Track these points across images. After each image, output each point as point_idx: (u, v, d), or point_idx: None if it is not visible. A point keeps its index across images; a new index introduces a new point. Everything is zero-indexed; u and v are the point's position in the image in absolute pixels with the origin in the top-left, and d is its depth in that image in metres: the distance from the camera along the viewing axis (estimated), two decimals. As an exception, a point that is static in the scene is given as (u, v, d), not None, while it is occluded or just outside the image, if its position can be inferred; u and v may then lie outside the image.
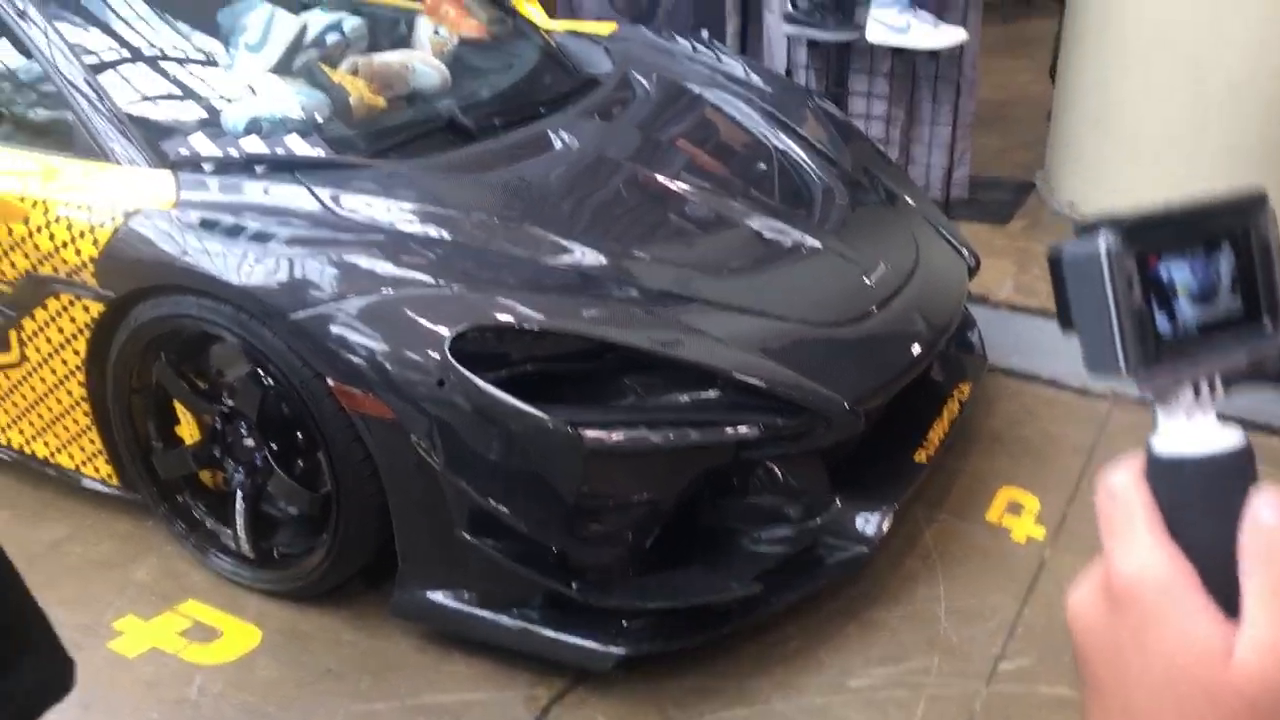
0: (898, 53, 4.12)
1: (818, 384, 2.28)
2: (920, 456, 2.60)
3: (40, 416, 2.68)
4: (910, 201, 3.14)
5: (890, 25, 3.96)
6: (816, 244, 2.68)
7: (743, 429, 2.18)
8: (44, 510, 2.85)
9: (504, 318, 2.19)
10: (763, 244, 2.67)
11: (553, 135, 2.85)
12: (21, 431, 2.76)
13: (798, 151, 3.10)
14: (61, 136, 2.60)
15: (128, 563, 2.67)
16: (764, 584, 2.26)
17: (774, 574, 2.29)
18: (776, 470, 2.35)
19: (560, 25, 3.75)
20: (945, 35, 3.94)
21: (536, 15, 3.78)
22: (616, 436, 2.11)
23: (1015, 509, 2.80)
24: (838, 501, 2.40)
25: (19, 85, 2.80)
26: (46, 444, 2.73)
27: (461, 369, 2.09)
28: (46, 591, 1.01)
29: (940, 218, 3.18)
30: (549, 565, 2.17)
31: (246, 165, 2.49)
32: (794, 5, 4.27)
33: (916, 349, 2.55)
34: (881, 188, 3.12)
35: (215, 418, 2.47)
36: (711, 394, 2.22)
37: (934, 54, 4.08)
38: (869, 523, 2.40)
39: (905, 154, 4.35)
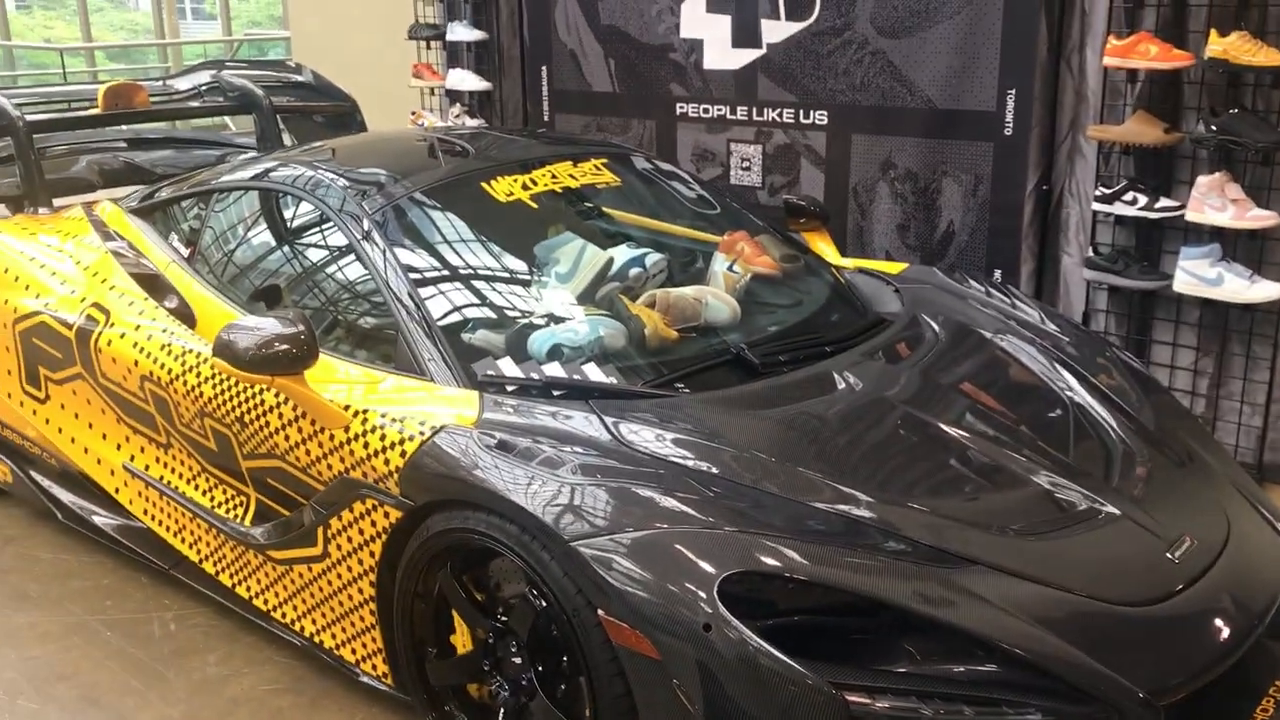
0: (1208, 303, 3.92)
1: (1110, 669, 2.10)
2: (1228, 761, 2.33)
3: (332, 609, 2.85)
4: (1216, 465, 2.91)
5: (1201, 277, 3.79)
6: (1114, 510, 2.52)
7: (1025, 714, 2.03)
8: (322, 699, 2.99)
9: (772, 563, 2.17)
10: (1052, 505, 2.53)
11: (837, 375, 2.86)
12: (314, 621, 2.93)
13: (1094, 405, 2.96)
14: (385, 349, 2.86)
15: (391, 762, 2.74)
16: None
17: None
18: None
19: (851, 263, 3.82)
20: (1261, 290, 3.72)
21: (828, 252, 3.87)
22: (882, 704, 2.01)
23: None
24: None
25: (353, 299, 3.11)
26: (333, 636, 2.89)
27: (728, 615, 2.07)
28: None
29: (1252, 486, 2.93)
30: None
31: (544, 389, 2.64)
32: (1095, 251, 4.17)
33: (1227, 636, 2.32)
34: (1185, 449, 2.92)
35: (488, 632, 2.54)
36: (990, 668, 2.09)
37: (1249, 307, 3.86)
38: (1164, 833, 2.15)
39: (1213, 410, 4.08)
